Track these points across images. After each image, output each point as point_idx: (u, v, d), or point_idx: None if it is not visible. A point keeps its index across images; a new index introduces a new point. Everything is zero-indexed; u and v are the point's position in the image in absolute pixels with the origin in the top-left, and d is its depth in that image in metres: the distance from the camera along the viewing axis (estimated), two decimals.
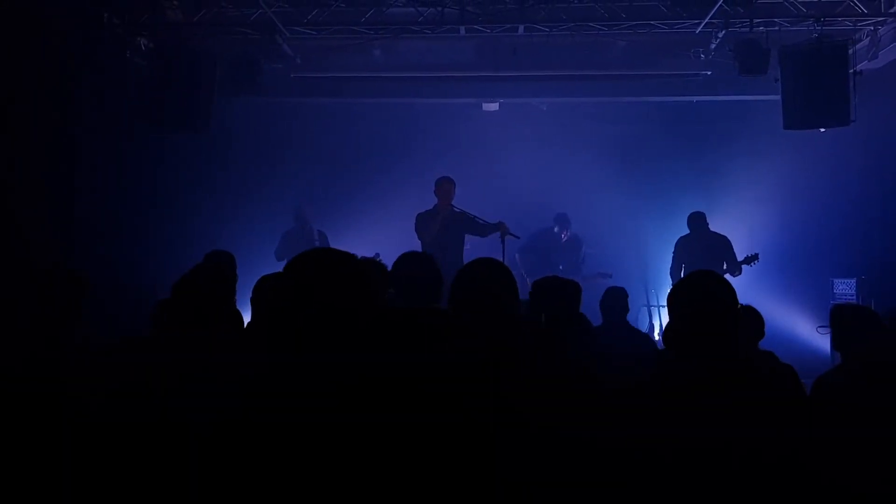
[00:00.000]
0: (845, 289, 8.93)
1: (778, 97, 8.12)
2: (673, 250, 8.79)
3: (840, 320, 4.00)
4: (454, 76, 9.61)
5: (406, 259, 3.38)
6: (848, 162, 9.24)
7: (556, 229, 9.85)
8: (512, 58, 8.86)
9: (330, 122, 10.43)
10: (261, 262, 7.72)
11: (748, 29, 8.00)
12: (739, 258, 8.43)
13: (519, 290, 3.04)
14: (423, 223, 7.63)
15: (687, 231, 8.79)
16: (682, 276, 8.56)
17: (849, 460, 2.79)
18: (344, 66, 9.44)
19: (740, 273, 8.30)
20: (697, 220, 8.63)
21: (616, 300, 5.28)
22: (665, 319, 10.41)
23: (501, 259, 8.12)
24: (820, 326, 8.14)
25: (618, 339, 4.93)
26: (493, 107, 10.15)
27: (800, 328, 9.31)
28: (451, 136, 10.54)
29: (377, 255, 7.79)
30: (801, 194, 9.69)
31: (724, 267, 8.31)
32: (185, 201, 8.81)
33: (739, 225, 8.99)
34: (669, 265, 8.89)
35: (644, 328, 10.33)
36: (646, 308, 10.44)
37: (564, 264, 9.52)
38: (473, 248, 8.48)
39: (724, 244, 8.51)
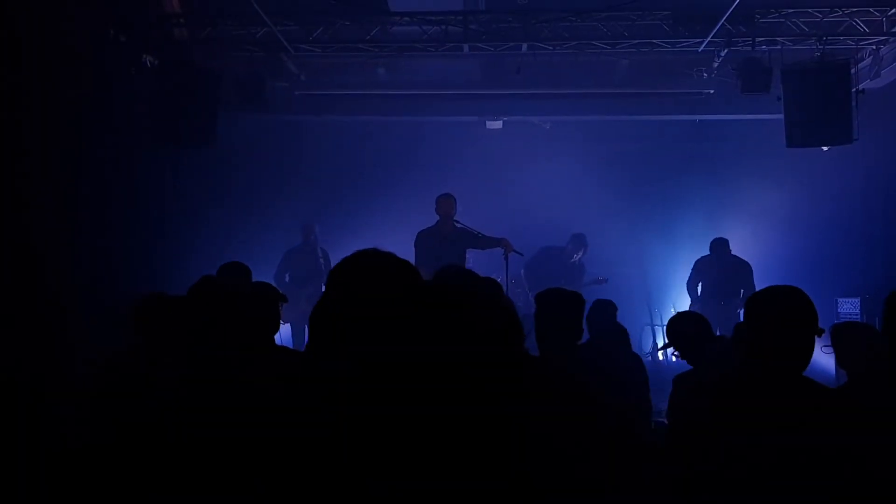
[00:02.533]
0: (850, 308, 8.89)
1: (780, 116, 8.15)
2: (692, 267, 9.01)
3: (839, 338, 4.00)
4: (458, 94, 9.65)
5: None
6: (851, 181, 9.25)
7: (568, 247, 9.75)
8: (515, 76, 8.91)
9: (334, 139, 10.47)
10: (266, 277, 7.73)
11: (750, 48, 8.03)
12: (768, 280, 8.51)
13: (523, 306, 3.04)
14: (423, 241, 7.62)
15: (696, 250, 8.97)
16: (700, 294, 8.76)
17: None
18: (348, 84, 9.51)
19: None
20: (719, 246, 8.81)
21: (603, 314, 4.74)
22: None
23: (505, 276, 8.14)
24: (824, 346, 8.10)
25: (605, 356, 4.37)
26: (496, 125, 10.18)
27: None
28: (454, 154, 10.56)
29: None
30: (804, 213, 9.70)
31: (742, 294, 8.39)
32: (190, 217, 8.81)
33: (742, 244, 8.99)
34: (673, 283, 9.08)
35: (647, 348, 10.29)
36: (649, 328, 10.42)
37: (566, 286, 9.48)
38: (476, 265, 8.49)
39: (744, 270, 8.62)
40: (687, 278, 9.08)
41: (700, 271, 8.91)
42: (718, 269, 8.74)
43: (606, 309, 4.76)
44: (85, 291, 5.97)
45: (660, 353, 10.35)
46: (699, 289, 8.90)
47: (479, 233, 7.81)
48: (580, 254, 9.63)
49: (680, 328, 4.24)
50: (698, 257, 9.02)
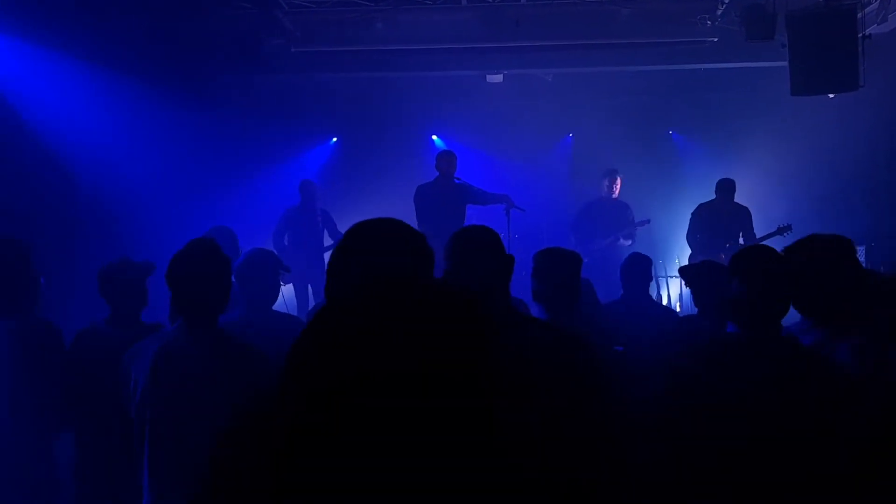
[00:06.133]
0: None
1: (785, 63, 8.00)
2: (691, 216, 8.70)
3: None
4: (457, 48, 9.48)
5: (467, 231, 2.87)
6: (856, 127, 9.13)
7: (604, 187, 9.33)
8: (515, 29, 8.75)
9: (332, 96, 10.38)
10: (264, 240, 7.71)
11: None
12: (768, 230, 8.33)
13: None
14: (423, 196, 7.60)
15: (696, 199, 8.78)
16: (700, 242, 8.56)
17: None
18: (345, 40, 9.34)
19: None
20: (726, 186, 8.48)
21: (637, 268, 4.65)
22: (672, 291, 10.41)
23: (506, 232, 8.11)
24: None
25: (637, 312, 4.42)
26: (496, 79, 10.04)
27: None
28: (454, 108, 10.48)
29: None
30: (810, 161, 9.60)
31: (741, 240, 8.26)
32: (185, 178, 8.72)
33: (747, 193, 8.90)
34: (678, 235, 8.90)
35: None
36: (653, 279, 10.41)
37: (616, 229, 9.22)
38: (478, 222, 8.45)
39: (744, 216, 8.43)
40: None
41: (700, 218, 8.59)
42: (726, 213, 8.42)
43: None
44: (77, 260, 5.94)
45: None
46: (698, 237, 8.59)
47: (479, 189, 7.79)
48: (616, 185, 9.33)
49: None
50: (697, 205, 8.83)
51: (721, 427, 2.29)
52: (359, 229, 1.72)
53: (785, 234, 8.28)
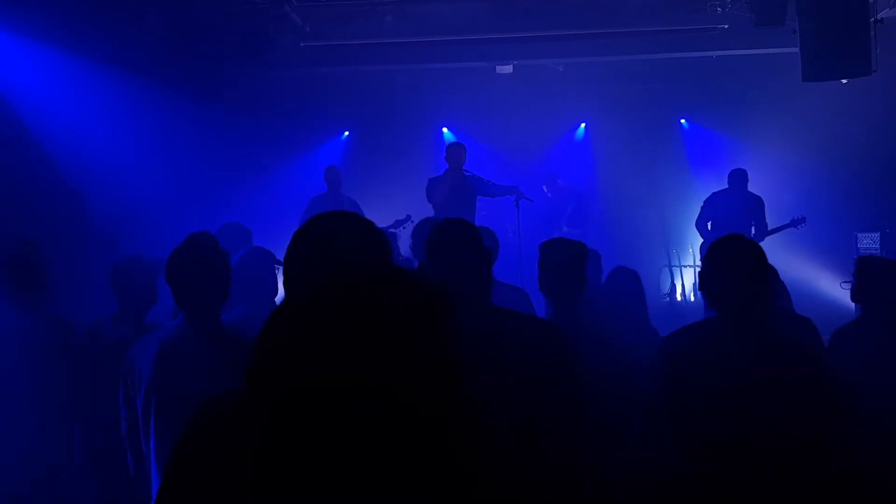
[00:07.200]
0: (869, 243, 8.81)
1: (797, 49, 7.93)
2: (703, 203, 8.67)
3: (863, 271, 3.91)
4: (466, 39, 9.46)
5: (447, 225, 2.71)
6: (870, 113, 9.05)
7: (544, 190, 9.71)
8: (525, 20, 8.72)
9: (342, 90, 10.40)
10: (276, 235, 7.72)
11: None
12: (781, 221, 8.32)
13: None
14: (434, 188, 7.60)
15: (708, 186, 8.76)
16: (710, 229, 8.53)
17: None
18: (354, 34, 9.35)
19: (763, 238, 8.16)
20: (738, 177, 8.47)
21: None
22: (687, 280, 10.38)
23: (517, 222, 8.12)
24: (843, 281, 8.04)
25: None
26: (506, 69, 10.01)
27: (823, 283, 9.24)
28: (464, 100, 10.47)
29: (408, 216, 7.80)
30: (823, 147, 9.54)
31: (752, 231, 8.22)
32: (196, 175, 8.76)
33: (761, 180, 8.86)
34: (692, 224, 8.87)
35: (665, 289, 10.29)
36: (667, 269, 10.39)
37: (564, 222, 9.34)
38: (489, 213, 8.47)
39: (757, 206, 8.38)
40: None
41: (713, 206, 8.56)
42: (738, 202, 8.38)
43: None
44: (88, 257, 5.99)
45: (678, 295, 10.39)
46: (709, 225, 8.58)
47: (489, 182, 7.79)
48: (549, 188, 9.57)
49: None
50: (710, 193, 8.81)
51: (704, 416, 2.30)
52: (313, 225, 1.71)
53: (798, 227, 8.24)
